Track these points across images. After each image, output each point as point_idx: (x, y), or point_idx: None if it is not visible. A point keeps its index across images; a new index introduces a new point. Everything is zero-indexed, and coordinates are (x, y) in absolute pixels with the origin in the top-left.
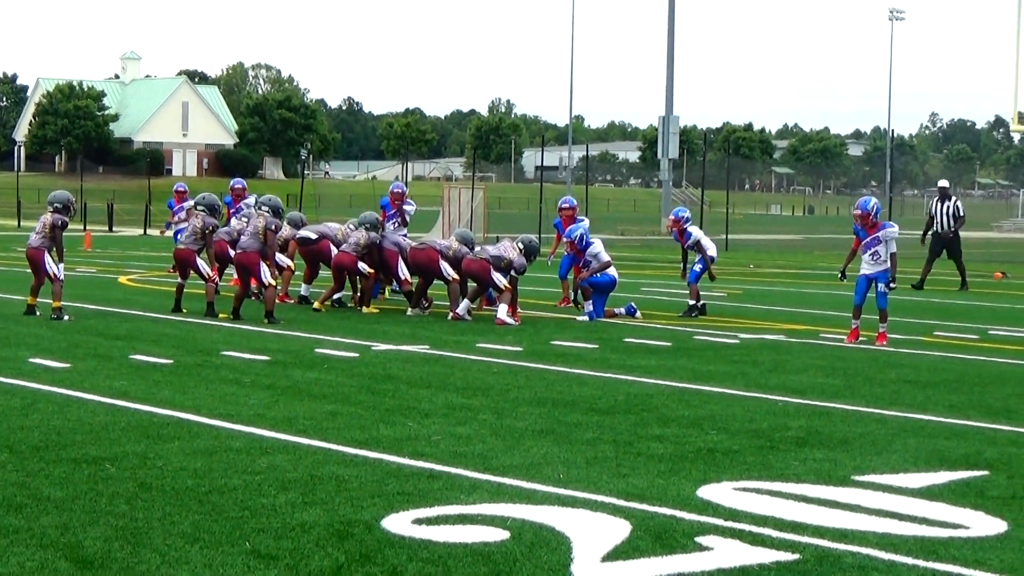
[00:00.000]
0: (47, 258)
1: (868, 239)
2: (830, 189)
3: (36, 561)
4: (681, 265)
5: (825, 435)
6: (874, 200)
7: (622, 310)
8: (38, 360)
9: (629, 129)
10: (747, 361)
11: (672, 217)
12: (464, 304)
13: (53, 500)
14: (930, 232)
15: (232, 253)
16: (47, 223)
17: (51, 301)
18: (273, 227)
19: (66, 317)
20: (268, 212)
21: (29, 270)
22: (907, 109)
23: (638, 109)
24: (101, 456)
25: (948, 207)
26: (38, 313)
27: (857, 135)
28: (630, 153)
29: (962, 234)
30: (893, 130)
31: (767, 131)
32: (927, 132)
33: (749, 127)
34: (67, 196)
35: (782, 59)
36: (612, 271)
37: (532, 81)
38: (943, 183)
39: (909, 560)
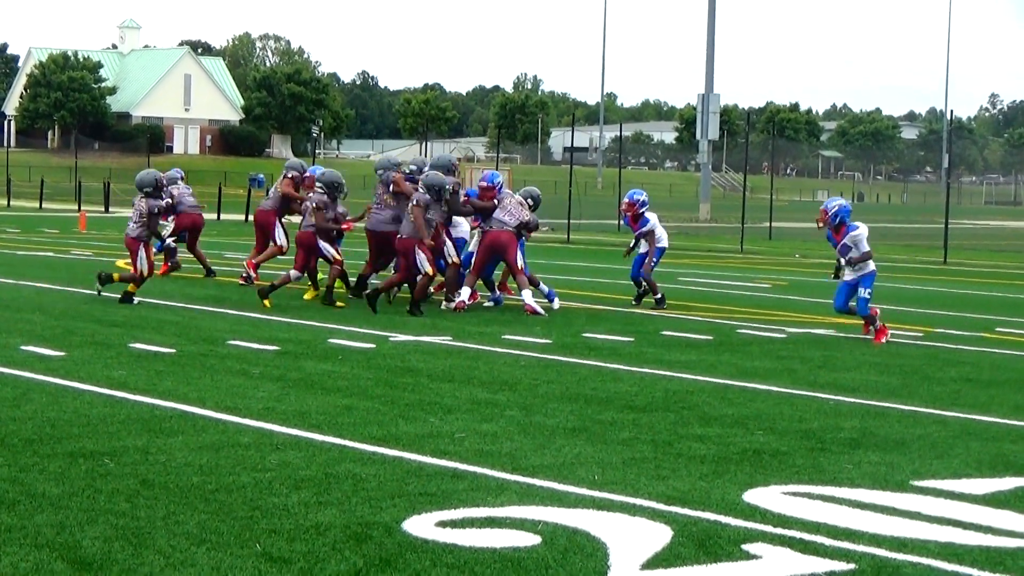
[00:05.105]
0: (141, 251)
1: (839, 245)
2: (881, 175)
3: (31, 562)
4: (629, 247)
5: (881, 437)
6: (838, 201)
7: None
8: (31, 348)
9: (665, 108)
10: (795, 357)
11: (627, 200)
12: (466, 291)
13: (48, 497)
14: None
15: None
16: (142, 210)
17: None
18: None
19: (135, 300)
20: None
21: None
22: (965, 89)
23: (675, 87)
24: (99, 450)
25: None
26: (135, 301)
27: (911, 117)
28: (666, 134)
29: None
30: (951, 111)
31: (814, 112)
32: (986, 114)
33: (795, 107)
34: (155, 176)
35: (831, 34)
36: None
37: (561, 55)
38: None
39: (974, 572)
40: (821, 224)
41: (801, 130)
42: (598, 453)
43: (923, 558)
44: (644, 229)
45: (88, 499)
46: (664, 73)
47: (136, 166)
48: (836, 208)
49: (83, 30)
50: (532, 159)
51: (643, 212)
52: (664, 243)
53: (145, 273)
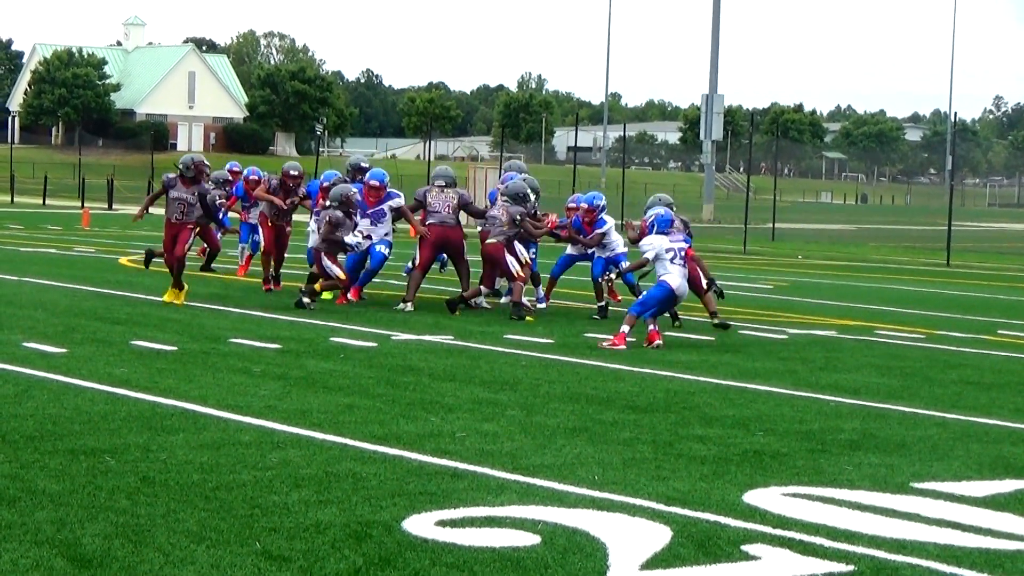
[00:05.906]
0: (325, 261)
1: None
2: (885, 176)
3: (30, 558)
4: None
5: (881, 439)
6: (655, 210)
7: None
8: (33, 344)
9: (669, 108)
10: (796, 358)
11: (586, 205)
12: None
13: (49, 494)
14: None
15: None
16: (326, 220)
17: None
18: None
19: (306, 299)
20: (509, 202)
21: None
22: (969, 92)
23: (679, 87)
24: (100, 448)
25: None
26: (307, 301)
27: (915, 119)
28: (670, 134)
29: None
30: (956, 113)
31: (818, 113)
32: (991, 117)
33: (799, 108)
34: (346, 192)
35: (835, 35)
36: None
37: (565, 55)
38: None
39: (972, 574)
40: (633, 234)
41: (805, 131)
42: (598, 453)
43: (922, 560)
44: (601, 230)
45: (88, 496)
46: (668, 73)
47: (140, 163)
48: (653, 217)
49: (88, 27)
50: (536, 158)
51: (603, 215)
52: (621, 248)
53: (343, 278)
